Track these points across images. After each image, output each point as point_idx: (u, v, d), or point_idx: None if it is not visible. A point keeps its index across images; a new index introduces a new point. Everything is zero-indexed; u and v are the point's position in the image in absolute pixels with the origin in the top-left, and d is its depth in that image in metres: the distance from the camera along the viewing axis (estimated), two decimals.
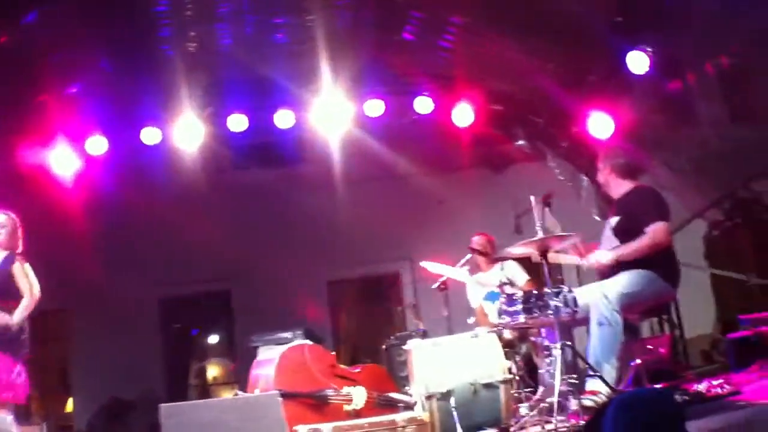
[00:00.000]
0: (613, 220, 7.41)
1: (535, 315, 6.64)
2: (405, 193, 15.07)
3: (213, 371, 16.06)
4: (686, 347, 13.92)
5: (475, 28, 11.27)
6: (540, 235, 6.66)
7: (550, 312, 6.51)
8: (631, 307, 6.96)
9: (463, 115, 12.13)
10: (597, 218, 12.48)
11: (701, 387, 6.88)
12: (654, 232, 7.04)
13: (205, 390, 16.37)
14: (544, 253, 6.70)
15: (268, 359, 7.88)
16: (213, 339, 17.37)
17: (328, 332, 15.26)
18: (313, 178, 14.90)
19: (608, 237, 7.42)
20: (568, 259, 7.63)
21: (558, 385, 6.17)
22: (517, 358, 7.93)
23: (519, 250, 6.94)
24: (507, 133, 13.56)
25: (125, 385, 14.24)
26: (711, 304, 15.62)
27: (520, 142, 13.48)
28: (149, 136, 11.88)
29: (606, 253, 7.13)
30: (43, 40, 10.06)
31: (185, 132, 11.85)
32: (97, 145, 11.74)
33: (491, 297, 8.67)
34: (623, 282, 6.92)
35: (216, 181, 14.41)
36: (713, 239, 15.92)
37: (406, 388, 7.80)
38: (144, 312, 15.44)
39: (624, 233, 7.22)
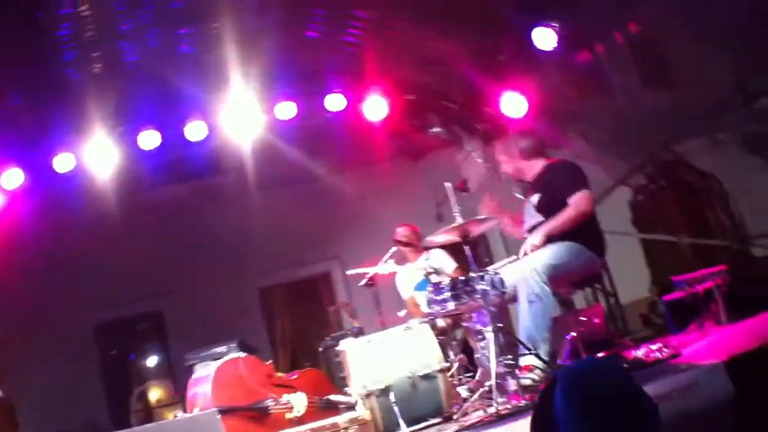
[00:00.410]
0: (534, 198, 7.41)
1: (464, 301, 6.60)
2: (326, 192, 14.98)
3: (155, 394, 15.87)
4: (623, 313, 14.02)
5: (381, 19, 11.23)
6: (459, 220, 6.63)
7: (478, 296, 6.48)
8: (559, 279, 6.98)
9: (375, 108, 12.07)
10: (520, 197, 12.52)
11: (640, 353, 6.90)
12: (577, 201, 7.06)
13: (149, 413, 16.15)
14: (465, 238, 6.69)
15: (204, 376, 7.80)
16: (151, 361, 17.17)
17: (265, 340, 15.20)
18: (232, 187, 14.76)
19: (531, 215, 7.44)
20: (504, 261, 7.67)
21: (494, 368, 6.16)
22: (454, 344, 7.92)
23: (440, 237, 6.92)
24: (422, 121, 13.55)
25: (69, 416, 13.98)
26: (644, 269, 15.74)
27: (436, 129, 13.48)
28: (62, 162, 11.62)
29: (534, 236, 7.12)
30: None
31: (98, 155, 11.62)
32: (13, 178, 11.48)
33: (421, 287, 8.64)
34: (549, 254, 6.93)
35: (135, 201, 14.17)
36: (639, 204, 16.05)
37: (346, 388, 7.74)
38: (81, 341, 15.21)
39: (547, 209, 7.25)
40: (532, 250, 7.04)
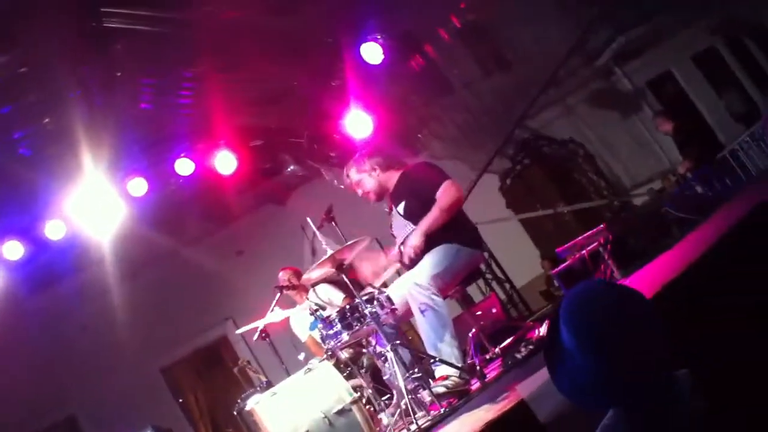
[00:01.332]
0: (399, 208, 7.34)
1: (357, 328, 6.52)
2: (202, 256, 14.80)
3: None
4: (522, 296, 14.13)
5: (208, 73, 11.13)
6: (329, 251, 6.54)
7: (369, 320, 6.41)
8: (447, 284, 6.94)
9: (225, 162, 11.91)
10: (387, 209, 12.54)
11: (543, 330, 6.92)
12: (443, 193, 7.00)
13: None
14: (340, 267, 6.61)
15: None
16: None
17: (181, 418, 14.92)
18: (105, 275, 14.48)
19: (400, 226, 7.36)
20: (390, 270, 7.58)
21: (403, 385, 6.09)
22: (363, 372, 7.85)
23: (316, 273, 6.83)
24: (276, 164, 13.49)
25: None
26: (531, 247, 15.90)
27: (292, 168, 13.43)
28: None
29: (413, 236, 7.03)
30: None
31: None
32: None
33: (314, 326, 8.55)
34: (429, 263, 6.87)
35: (16, 312, 13.81)
36: (510, 187, 16.22)
37: None
38: None
39: (414, 213, 7.17)
40: (415, 252, 6.96)
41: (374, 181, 7.53)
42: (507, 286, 14.02)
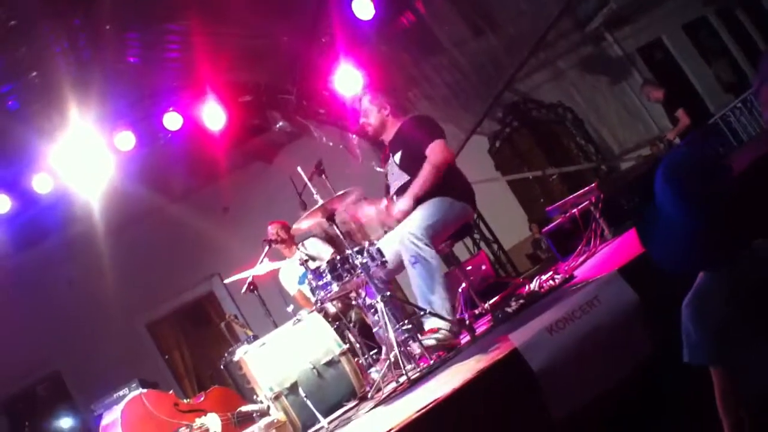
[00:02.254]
0: (396, 157, 7.32)
1: (347, 279, 6.48)
2: (188, 213, 14.76)
3: None
4: (509, 257, 14.15)
5: (195, 26, 11.05)
6: (319, 201, 6.50)
7: (359, 271, 6.37)
8: (438, 236, 6.90)
9: (214, 117, 11.83)
10: (379, 169, 12.47)
11: (533, 286, 6.90)
12: (432, 153, 6.99)
13: None
14: (330, 218, 6.56)
15: (112, 422, 7.62)
16: (65, 422, 16.81)
17: (167, 374, 14.94)
18: (92, 231, 14.42)
19: (396, 175, 7.34)
20: (378, 231, 7.54)
21: (393, 337, 6.06)
22: (351, 327, 7.83)
23: (306, 222, 6.78)
24: (264, 120, 13.42)
25: None
26: (519, 210, 15.93)
27: (280, 124, 13.37)
28: None
29: (402, 200, 7.01)
30: None
31: None
32: None
33: (303, 279, 8.53)
34: (422, 215, 6.84)
35: (2, 268, 13.82)
36: (498, 150, 16.22)
37: (255, 397, 7.59)
38: None
39: (409, 165, 7.16)
40: (403, 216, 6.94)
41: (379, 118, 7.52)
42: (495, 246, 14.02)
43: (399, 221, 7.01)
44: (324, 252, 9.35)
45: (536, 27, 13.23)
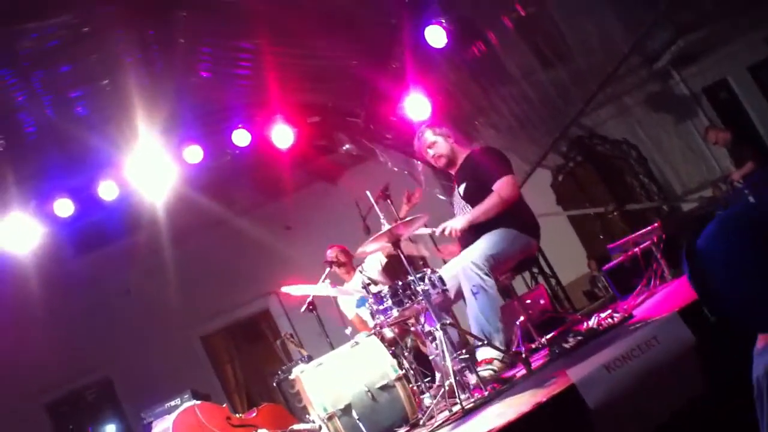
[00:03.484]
0: (461, 188, 7.34)
1: (407, 305, 6.50)
2: (250, 229, 14.87)
3: None
4: (566, 293, 14.07)
5: (267, 46, 11.14)
6: (386, 226, 6.54)
7: (420, 298, 6.39)
8: (499, 267, 6.93)
9: (282, 136, 11.94)
10: (441, 197, 12.50)
11: (592, 323, 6.89)
12: (500, 187, 7.01)
13: None
14: (396, 243, 6.59)
15: (162, 430, 7.66)
16: (110, 429, 16.93)
17: (217, 387, 15.01)
18: (154, 241, 14.55)
19: (460, 207, 7.38)
20: (421, 230, 7.52)
21: (450, 365, 6.06)
22: (406, 353, 7.83)
23: (371, 246, 6.82)
24: (331, 142, 13.49)
25: None
26: (578, 246, 15.87)
27: (346, 147, 13.42)
28: None
29: (458, 219, 7.05)
30: None
31: (16, 232, 11.36)
32: None
33: (363, 303, 8.54)
34: (486, 245, 6.87)
35: (60, 273, 13.94)
36: (561, 184, 16.17)
37: (307, 416, 7.62)
38: (35, 422, 15.00)
39: (474, 197, 7.18)
40: (454, 234, 6.96)
41: (449, 146, 7.53)
42: (553, 281, 13.96)
43: (444, 231, 7.03)
44: (377, 273, 9.37)
45: (605, 62, 13.20)
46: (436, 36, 10.59)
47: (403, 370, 6.95)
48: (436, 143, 7.57)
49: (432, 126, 7.75)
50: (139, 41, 10.54)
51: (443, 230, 7.03)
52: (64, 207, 11.61)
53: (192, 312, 14.94)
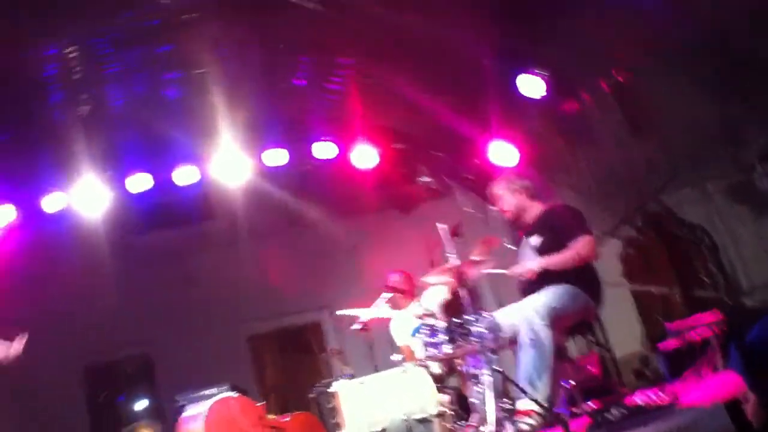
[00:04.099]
0: (534, 240, 7.32)
1: (460, 344, 6.48)
2: (316, 242, 14.95)
3: None
4: (617, 367, 13.90)
5: (367, 67, 11.20)
6: (454, 261, 6.52)
7: (474, 339, 6.35)
8: (559, 322, 6.90)
9: (364, 157, 12.03)
10: (510, 246, 12.42)
11: (639, 400, 6.82)
12: (580, 245, 6.98)
13: None
14: (460, 280, 6.57)
15: (195, 415, 7.74)
16: (140, 404, 17.02)
17: (254, 388, 14.99)
18: (221, 234, 14.72)
19: (528, 258, 7.35)
20: (494, 270, 7.51)
21: (492, 412, 6.00)
22: (448, 392, 7.77)
23: (434, 278, 6.85)
24: (411, 171, 13.47)
25: None
26: (636, 322, 15.65)
27: (425, 179, 13.38)
28: (52, 202, 11.63)
29: (534, 262, 7.05)
30: None
31: (88, 197, 11.64)
32: (5, 214, 11.44)
33: (415, 333, 8.50)
34: (550, 296, 6.88)
35: (124, 244, 14.09)
36: (629, 257, 15.98)
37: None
38: (68, 383, 15.09)
39: (550, 252, 7.14)
40: (527, 275, 6.93)
41: (515, 203, 7.55)
42: (606, 352, 13.81)
43: (515, 272, 7.02)
44: (437, 312, 9.33)
45: (693, 144, 13.07)
46: (530, 85, 10.58)
47: (445, 408, 6.89)
48: (502, 198, 7.64)
49: (507, 178, 7.77)
50: (240, 38, 10.64)
51: (517, 272, 7.01)
52: (138, 182, 11.81)
53: (244, 310, 14.97)
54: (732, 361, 2.95)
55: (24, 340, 8.13)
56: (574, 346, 12.87)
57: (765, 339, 2.82)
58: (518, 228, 7.96)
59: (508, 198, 7.59)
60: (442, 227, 6.92)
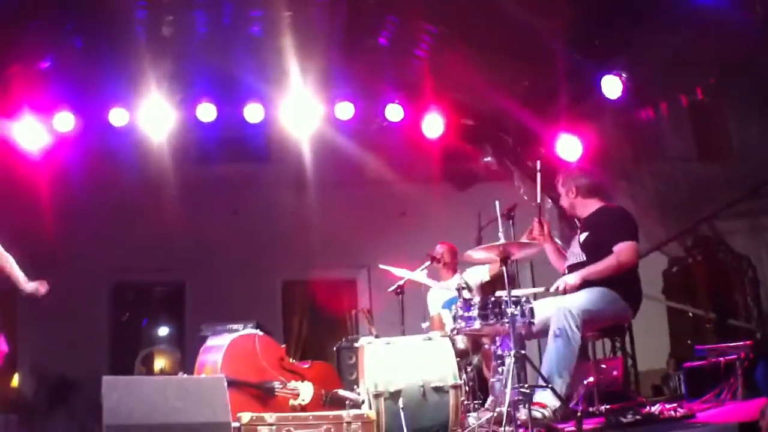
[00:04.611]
0: (582, 236, 7.34)
1: (491, 322, 6.54)
2: (369, 201, 15.06)
3: (160, 363, 15.84)
4: (638, 378, 13.91)
5: (451, 39, 11.22)
6: (502, 239, 6.58)
7: (506, 320, 6.40)
8: (591, 324, 6.91)
9: (433, 126, 12.07)
10: (558, 241, 12.43)
11: (654, 409, 6.86)
12: (622, 251, 7.01)
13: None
14: (504, 259, 6.62)
15: (217, 345, 7.80)
16: (163, 330, 17.21)
17: (279, 331, 15.12)
18: (278, 176, 14.89)
19: (575, 254, 7.37)
20: (533, 290, 7.60)
21: (509, 394, 6.06)
22: (469, 369, 7.84)
23: (480, 254, 6.88)
24: (476, 148, 13.48)
25: (70, 366, 13.91)
26: (665, 338, 15.64)
27: (488, 159, 13.39)
28: (117, 117, 11.70)
29: (572, 275, 7.04)
30: (15, 11, 9.96)
31: (153, 117, 11.74)
32: (65, 121, 11.57)
33: (449, 305, 8.56)
34: (586, 298, 6.86)
35: (181, 169, 14.23)
36: (672, 274, 15.95)
37: (356, 387, 7.68)
38: (95, 296, 15.33)
39: (592, 250, 7.19)
40: (567, 290, 6.96)
41: (567, 201, 7.61)
42: (630, 361, 13.82)
43: (557, 289, 7.05)
44: (477, 290, 9.39)
45: (757, 173, 13.00)
46: (612, 86, 10.55)
47: (462, 381, 6.96)
48: (562, 188, 7.68)
49: (569, 171, 7.87)
50: None
51: (557, 287, 7.05)
52: (206, 112, 11.87)
53: (285, 255, 15.13)
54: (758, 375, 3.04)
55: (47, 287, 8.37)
56: (601, 348, 12.89)
57: None
58: (571, 219, 8.01)
59: (567, 189, 7.63)
60: (498, 203, 6.96)
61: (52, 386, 13.75)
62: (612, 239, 7.09)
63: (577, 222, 7.71)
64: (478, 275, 9.46)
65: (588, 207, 7.54)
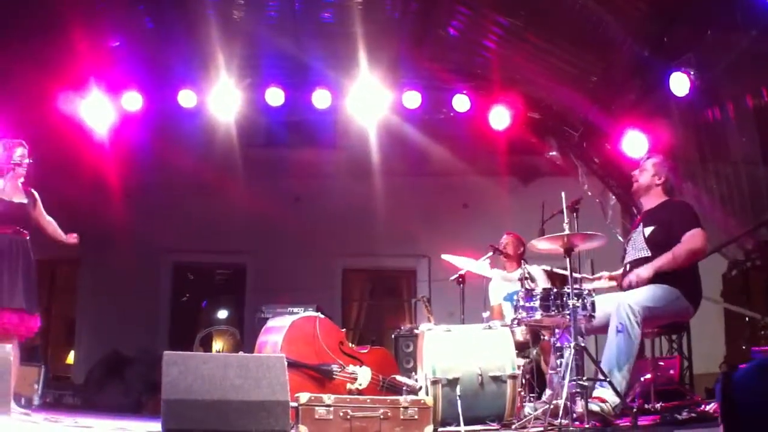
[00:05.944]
0: (647, 230, 7.32)
1: (552, 313, 6.55)
2: (432, 191, 15.12)
3: (218, 344, 16.00)
4: (692, 380, 13.84)
5: (521, 32, 11.19)
6: (566, 230, 6.59)
7: (567, 312, 6.42)
8: (651, 321, 6.92)
9: (499, 118, 12.06)
10: (620, 238, 12.38)
11: (710, 408, 6.84)
12: (691, 238, 6.98)
13: None
14: (568, 250, 6.63)
15: (278, 326, 7.85)
16: (222, 313, 17.35)
17: (338, 318, 15.22)
18: (342, 163, 14.94)
19: (637, 248, 7.35)
20: (603, 284, 7.59)
21: (567, 387, 6.08)
22: (527, 361, 7.85)
23: (544, 244, 6.89)
24: (541, 142, 13.44)
25: (127, 342, 14.12)
26: (721, 342, 15.51)
27: (553, 153, 13.34)
28: (185, 98, 11.86)
29: (645, 268, 7.02)
30: None
31: (221, 100, 11.87)
32: (132, 101, 11.76)
33: (511, 298, 8.57)
34: (648, 295, 6.85)
35: (247, 152, 14.43)
36: (731, 278, 15.81)
37: (413, 374, 7.74)
38: (156, 275, 15.54)
39: (658, 243, 7.15)
40: (639, 283, 6.95)
41: (649, 181, 7.56)
42: (686, 362, 13.74)
43: (630, 284, 7.05)
44: (541, 283, 9.35)
45: None
46: (680, 83, 10.48)
47: (519, 372, 6.98)
48: (644, 170, 7.61)
49: (659, 156, 7.82)
50: None
51: (629, 282, 7.04)
52: (276, 96, 11.97)
53: (347, 242, 15.29)
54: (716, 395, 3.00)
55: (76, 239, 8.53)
56: (659, 346, 12.84)
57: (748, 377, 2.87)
58: (634, 199, 7.98)
59: (647, 175, 7.60)
60: (564, 194, 6.96)
61: (107, 362, 13.89)
62: (681, 229, 7.07)
63: (635, 210, 7.70)
64: (540, 276, 9.47)
65: (656, 198, 7.53)
